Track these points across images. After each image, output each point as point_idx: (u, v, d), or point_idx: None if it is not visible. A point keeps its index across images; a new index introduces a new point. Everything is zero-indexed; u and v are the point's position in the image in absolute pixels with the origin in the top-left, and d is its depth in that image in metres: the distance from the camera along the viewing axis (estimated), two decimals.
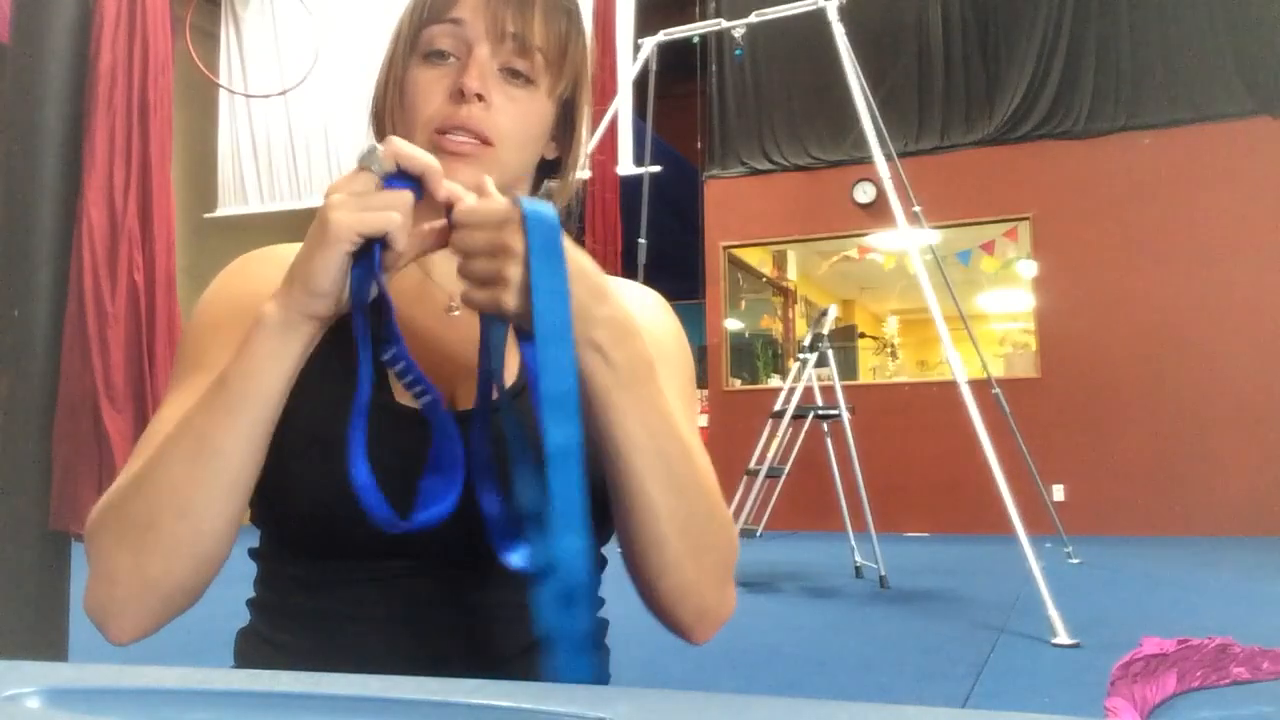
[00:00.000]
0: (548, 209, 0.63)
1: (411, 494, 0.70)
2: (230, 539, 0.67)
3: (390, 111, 0.78)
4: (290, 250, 0.84)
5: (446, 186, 0.64)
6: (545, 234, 0.62)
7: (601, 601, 0.83)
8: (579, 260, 0.63)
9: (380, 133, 0.80)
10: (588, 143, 0.86)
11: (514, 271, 0.62)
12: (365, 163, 0.63)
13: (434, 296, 0.82)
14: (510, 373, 0.77)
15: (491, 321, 0.68)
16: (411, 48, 0.77)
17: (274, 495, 0.74)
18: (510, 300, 0.62)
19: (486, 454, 0.71)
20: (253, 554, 0.79)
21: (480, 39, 0.75)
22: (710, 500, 0.71)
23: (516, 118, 0.76)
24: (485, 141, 0.74)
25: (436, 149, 0.74)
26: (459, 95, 0.74)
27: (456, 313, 0.81)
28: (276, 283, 0.79)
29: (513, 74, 0.76)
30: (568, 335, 0.61)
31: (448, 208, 0.65)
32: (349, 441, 0.65)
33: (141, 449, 0.71)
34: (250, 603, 0.79)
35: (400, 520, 0.65)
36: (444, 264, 0.82)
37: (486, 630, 0.73)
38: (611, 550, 0.77)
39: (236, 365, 0.65)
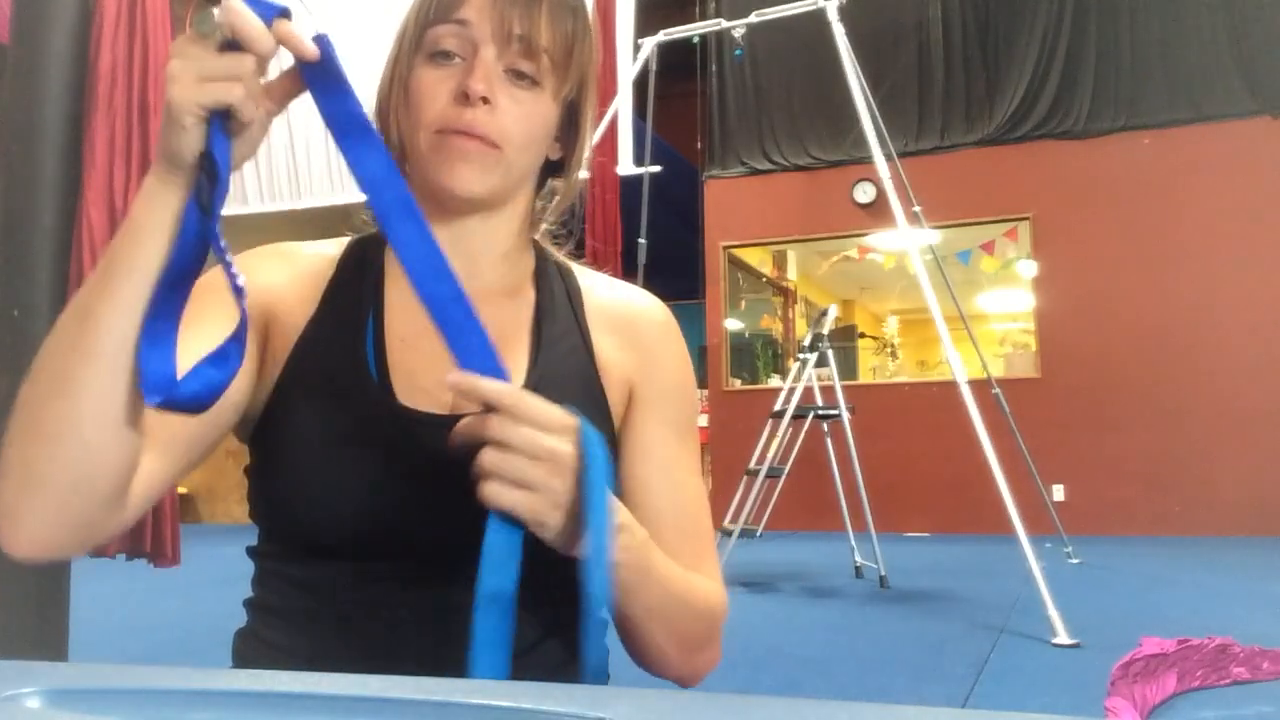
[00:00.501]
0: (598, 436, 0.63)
1: (423, 504, 0.70)
2: (122, 437, 0.61)
3: (394, 110, 0.78)
4: (301, 249, 0.84)
5: (287, 37, 0.59)
6: (600, 459, 0.62)
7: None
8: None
9: (384, 131, 0.80)
10: (591, 143, 0.86)
11: (562, 485, 0.62)
12: (201, 30, 0.58)
13: None
14: (514, 376, 0.77)
15: (502, 525, 0.63)
16: (416, 47, 0.77)
17: (273, 490, 0.74)
18: (554, 518, 0.63)
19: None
20: (251, 552, 0.79)
21: (486, 40, 0.74)
22: (705, 617, 0.78)
23: (521, 120, 0.75)
24: (490, 144, 0.74)
25: (441, 148, 0.74)
26: (464, 98, 0.73)
27: None
28: (281, 280, 0.78)
29: (518, 75, 0.76)
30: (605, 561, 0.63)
31: (302, 68, 0.61)
32: (150, 301, 0.60)
33: None
34: (248, 603, 0.78)
35: (170, 390, 0.60)
36: (453, 258, 0.82)
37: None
38: None
39: (119, 237, 0.61)
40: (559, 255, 0.89)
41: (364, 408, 0.74)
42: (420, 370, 0.77)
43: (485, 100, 0.73)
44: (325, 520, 0.71)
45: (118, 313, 0.60)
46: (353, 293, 0.80)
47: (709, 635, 0.79)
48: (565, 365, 0.79)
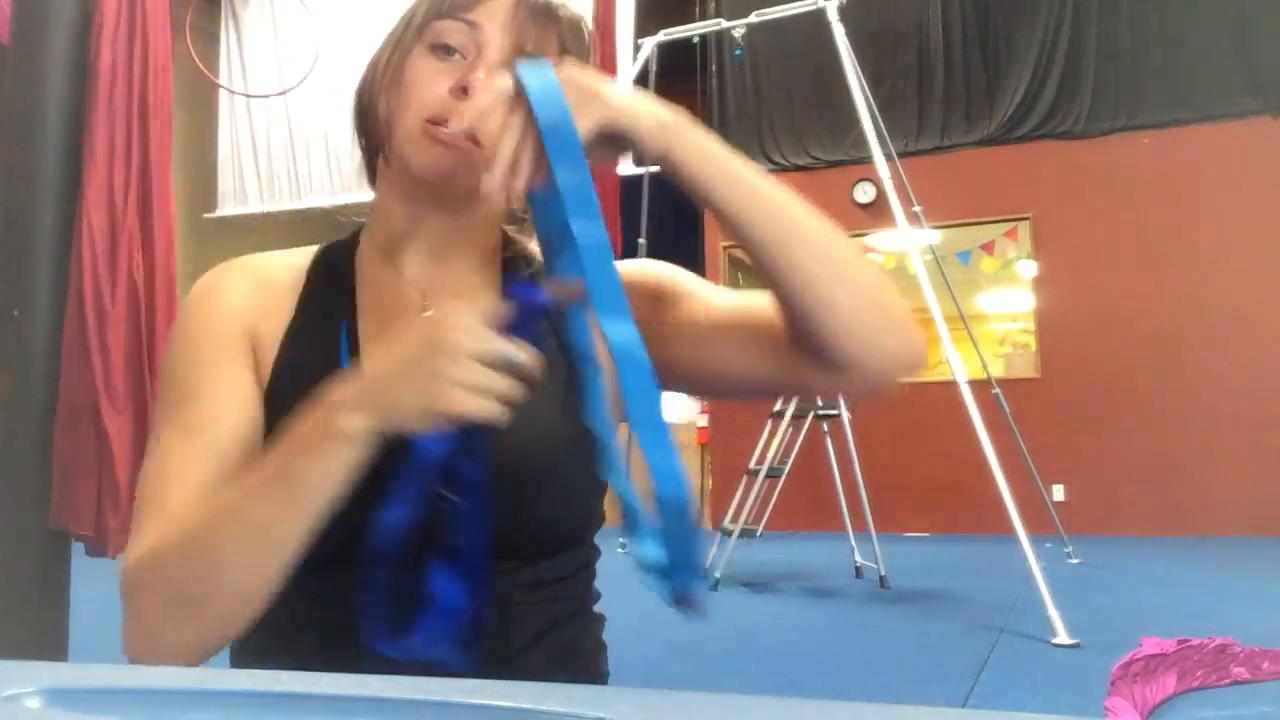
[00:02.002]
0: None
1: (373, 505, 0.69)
2: (288, 562, 0.68)
3: (385, 89, 0.77)
4: (267, 262, 0.82)
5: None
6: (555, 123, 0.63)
7: (597, 595, 0.83)
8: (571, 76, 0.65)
9: (364, 112, 0.79)
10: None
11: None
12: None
13: (406, 296, 0.81)
14: None
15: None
16: (420, 34, 0.76)
17: None
18: None
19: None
20: None
21: (495, 46, 0.74)
22: (848, 248, 0.70)
23: None
24: (474, 142, 0.73)
25: (425, 135, 0.74)
26: (461, 92, 0.73)
27: (430, 313, 0.80)
28: (253, 297, 0.77)
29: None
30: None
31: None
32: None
33: (152, 490, 0.71)
34: None
35: (392, 641, 0.63)
36: (416, 261, 0.81)
37: (490, 629, 0.73)
38: (606, 549, 0.77)
39: (306, 465, 0.63)
40: (527, 244, 0.88)
41: None
42: None
43: None
44: (323, 534, 0.70)
45: (301, 531, 0.64)
46: (324, 302, 0.80)
47: (868, 274, 0.71)
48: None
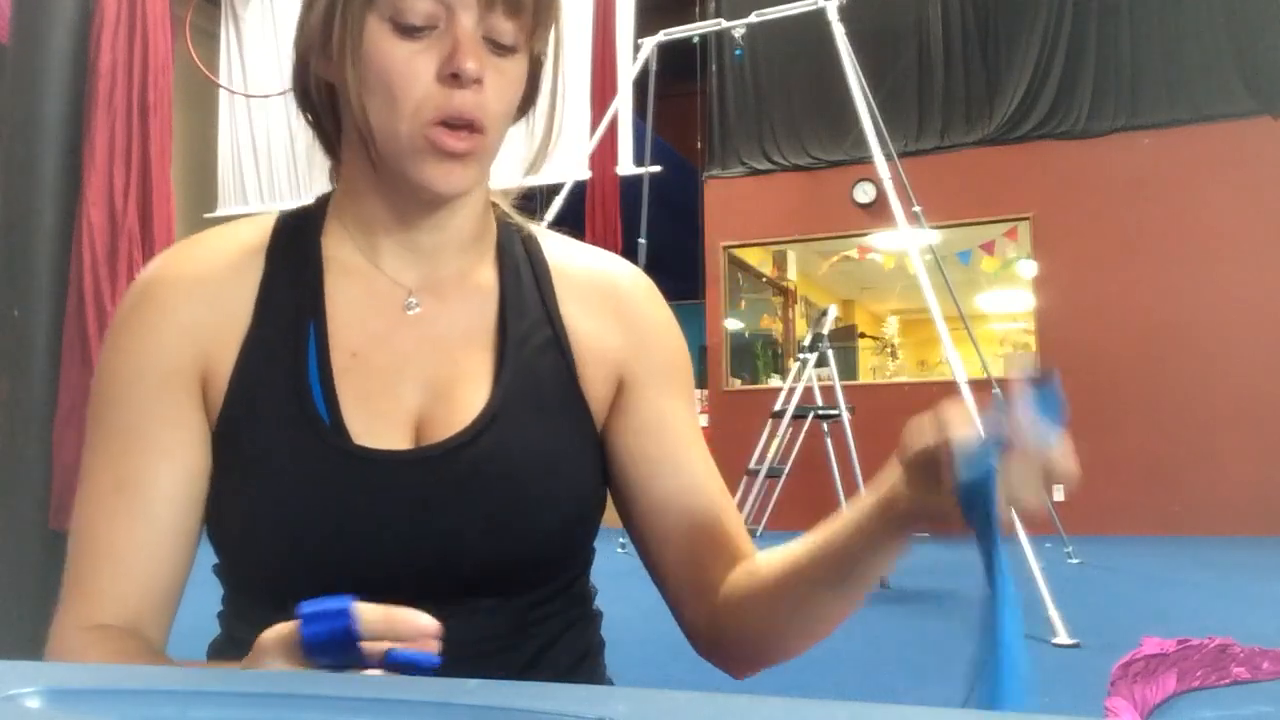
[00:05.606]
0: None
1: (376, 543, 0.65)
2: None
3: (354, 89, 0.65)
4: (219, 246, 0.71)
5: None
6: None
7: (594, 592, 0.82)
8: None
9: (314, 89, 0.72)
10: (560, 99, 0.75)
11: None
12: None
13: (385, 291, 0.71)
14: (476, 403, 0.69)
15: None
16: (369, 5, 0.64)
17: (227, 543, 0.68)
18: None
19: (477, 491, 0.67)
20: (216, 571, 0.72)
21: (465, 5, 0.64)
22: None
23: (505, 94, 0.67)
24: (477, 130, 0.65)
25: (428, 148, 0.65)
26: (454, 80, 0.63)
27: (416, 310, 0.71)
28: (201, 305, 0.68)
29: (496, 44, 0.66)
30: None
31: None
32: None
33: (82, 550, 0.65)
34: (221, 618, 0.74)
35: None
36: (394, 250, 0.72)
37: (469, 667, 0.71)
38: (606, 549, 0.77)
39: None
40: (521, 220, 0.79)
41: (314, 452, 0.65)
42: (376, 392, 0.68)
43: (477, 81, 0.64)
44: (283, 576, 0.65)
45: None
46: (289, 296, 0.70)
47: None
48: (537, 369, 0.71)
